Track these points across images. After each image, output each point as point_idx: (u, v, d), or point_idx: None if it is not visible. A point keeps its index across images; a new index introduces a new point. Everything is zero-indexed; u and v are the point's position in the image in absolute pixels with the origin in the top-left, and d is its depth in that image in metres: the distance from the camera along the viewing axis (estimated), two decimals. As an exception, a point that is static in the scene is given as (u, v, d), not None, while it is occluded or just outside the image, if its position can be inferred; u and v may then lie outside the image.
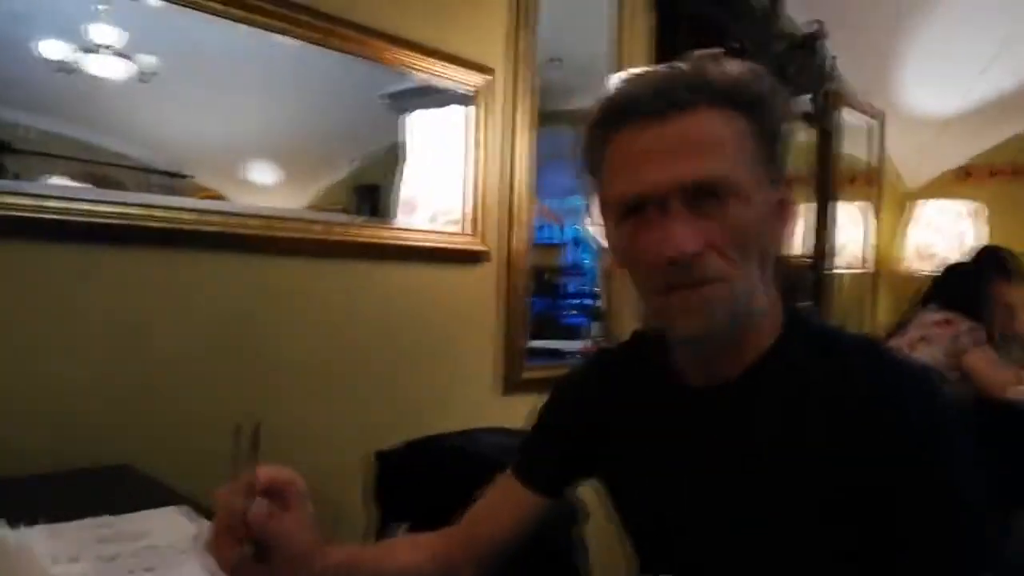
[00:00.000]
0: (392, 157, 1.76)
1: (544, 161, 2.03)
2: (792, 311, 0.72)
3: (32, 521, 0.85)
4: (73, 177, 1.30)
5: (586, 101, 0.70)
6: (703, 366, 0.72)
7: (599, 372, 0.84)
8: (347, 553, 0.72)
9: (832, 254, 3.11)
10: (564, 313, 2.42)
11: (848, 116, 3.21)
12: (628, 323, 2.23)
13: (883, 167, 3.56)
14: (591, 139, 0.69)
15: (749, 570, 0.68)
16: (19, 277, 1.21)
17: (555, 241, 2.46)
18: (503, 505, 0.83)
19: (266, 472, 0.62)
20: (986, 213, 3.42)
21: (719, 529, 0.69)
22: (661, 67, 0.65)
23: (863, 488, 0.62)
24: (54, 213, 1.21)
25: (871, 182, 3.51)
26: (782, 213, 0.69)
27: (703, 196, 0.62)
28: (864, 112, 3.36)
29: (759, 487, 0.67)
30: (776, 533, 0.66)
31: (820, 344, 0.69)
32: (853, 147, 3.28)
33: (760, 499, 0.67)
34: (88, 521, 0.95)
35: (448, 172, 1.82)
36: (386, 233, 1.68)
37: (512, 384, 1.93)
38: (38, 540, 0.76)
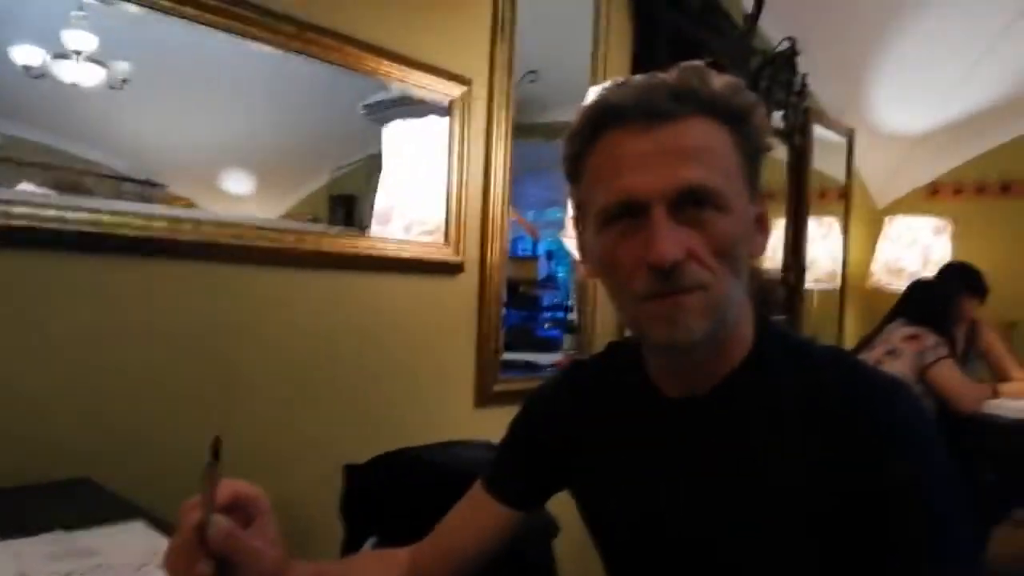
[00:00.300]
0: (369, 167, 1.75)
1: (520, 173, 2.04)
2: (764, 322, 0.72)
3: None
4: (43, 184, 1.28)
5: (563, 114, 0.70)
6: (678, 377, 0.72)
7: (572, 384, 0.83)
8: (313, 569, 0.71)
9: (804, 269, 3.16)
10: (539, 326, 2.42)
11: (819, 132, 3.27)
12: (602, 336, 2.24)
13: (853, 183, 3.63)
14: (574, 145, 0.68)
15: None
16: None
17: (531, 253, 2.47)
18: (475, 519, 0.82)
19: (229, 487, 0.61)
20: (952, 230, 3.50)
21: (695, 540, 0.69)
22: (645, 76, 0.65)
23: (839, 499, 0.62)
24: (22, 219, 1.19)
25: (841, 198, 3.57)
26: (759, 227, 0.70)
27: (687, 204, 0.62)
28: (835, 129, 3.42)
29: (735, 498, 0.67)
30: (753, 544, 0.66)
31: (793, 355, 0.69)
32: (823, 163, 3.34)
33: (736, 510, 0.67)
34: (41, 537, 0.92)
35: (425, 183, 1.82)
36: (361, 243, 1.67)
37: (486, 396, 1.92)
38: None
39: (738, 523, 0.67)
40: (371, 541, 1.16)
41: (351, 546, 1.21)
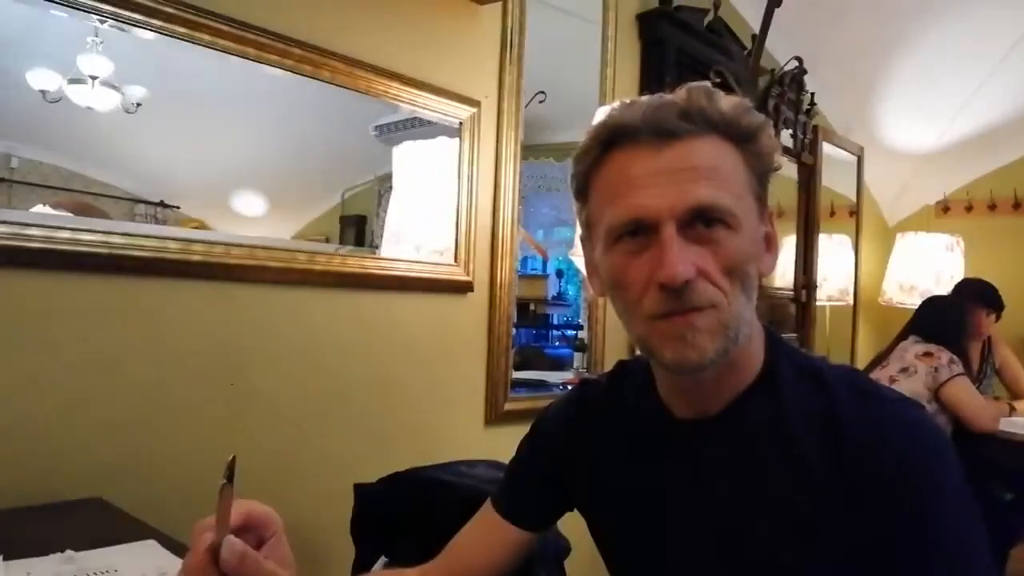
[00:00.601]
0: (379, 188, 1.77)
1: (529, 193, 2.05)
2: (775, 342, 0.72)
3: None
4: (58, 206, 1.30)
5: (571, 135, 0.70)
6: (688, 397, 0.71)
7: (582, 404, 0.83)
8: None
9: (815, 286, 3.15)
10: (549, 344, 2.42)
11: (829, 151, 3.27)
12: (612, 354, 2.23)
13: (863, 201, 3.62)
14: (583, 163, 0.69)
15: None
16: (4, 307, 1.21)
17: (540, 272, 2.47)
18: (485, 540, 0.82)
19: (242, 508, 0.61)
20: (963, 247, 3.48)
21: (710, 560, 0.68)
22: (654, 96, 0.66)
23: (853, 524, 0.62)
24: (37, 241, 1.21)
25: (851, 215, 3.57)
26: (767, 246, 0.69)
27: (697, 222, 0.62)
28: (844, 147, 3.42)
29: (744, 520, 0.66)
30: (763, 567, 0.65)
31: (805, 376, 0.69)
32: (833, 181, 3.34)
33: (745, 532, 0.66)
34: (52, 556, 0.93)
35: (434, 203, 1.83)
36: (371, 263, 1.68)
37: (496, 415, 1.92)
38: None
39: (748, 545, 0.66)
40: (381, 561, 1.16)
41: (361, 566, 1.20)
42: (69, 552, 0.94)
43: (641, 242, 0.64)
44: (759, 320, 0.71)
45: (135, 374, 1.33)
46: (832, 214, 3.45)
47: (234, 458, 0.57)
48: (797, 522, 0.64)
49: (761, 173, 0.67)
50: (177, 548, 0.98)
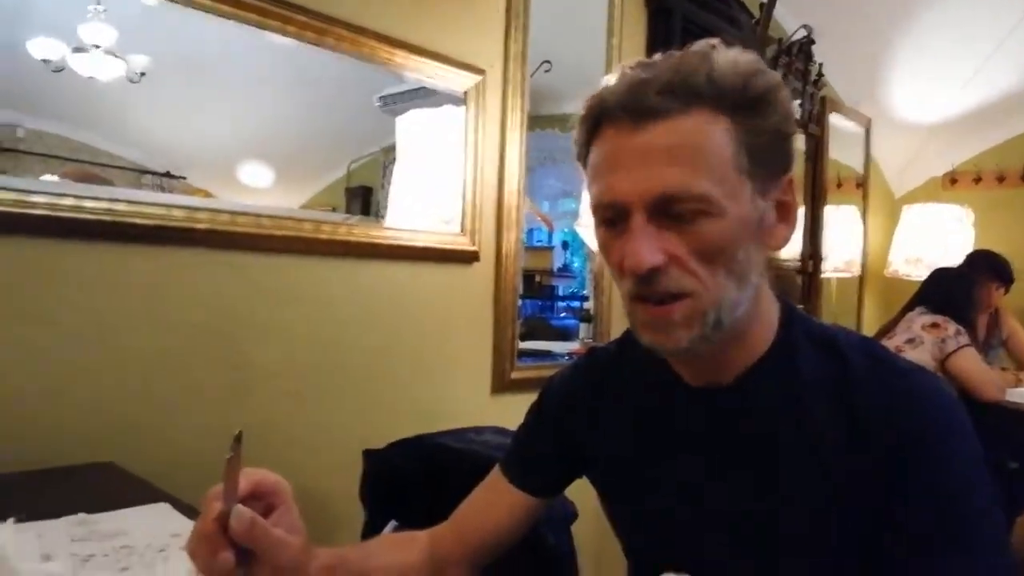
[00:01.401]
0: (385, 158, 1.76)
1: (535, 164, 2.04)
2: (789, 311, 0.71)
3: (2, 518, 0.84)
4: (64, 176, 1.29)
5: (577, 106, 0.69)
6: (694, 369, 0.70)
7: (591, 371, 0.82)
8: (333, 555, 0.71)
9: (821, 258, 3.13)
10: (554, 315, 2.42)
11: (836, 122, 3.24)
12: (618, 325, 2.23)
13: (870, 173, 3.59)
14: (578, 138, 0.68)
15: (751, 567, 0.67)
16: (5, 272, 1.21)
17: (546, 244, 2.47)
18: (493, 505, 0.82)
19: (251, 477, 0.61)
20: (971, 218, 3.45)
21: (720, 529, 0.68)
22: (645, 64, 0.63)
23: (869, 491, 0.61)
24: (41, 208, 1.21)
25: (859, 187, 3.54)
26: (781, 216, 0.66)
27: (668, 209, 0.60)
28: (852, 118, 3.39)
29: (760, 485, 0.66)
30: (778, 530, 0.65)
31: (820, 345, 0.68)
32: (840, 153, 3.31)
33: (758, 500, 0.66)
34: (64, 519, 0.94)
35: (440, 173, 1.83)
36: (377, 232, 1.68)
37: (502, 384, 1.93)
38: (9, 537, 0.75)
39: (760, 512, 0.66)
40: (391, 525, 1.17)
41: (371, 530, 1.22)
42: (81, 515, 0.96)
43: (618, 225, 0.63)
44: (772, 291, 0.70)
45: (142, 341, 1.34)
46: (839, 186, 3.42)
47: (241, 432, 0.57)
48: (809, 492, 0.63)
49: (765, 141, 0.62)
50: (189, 512, 0.99)
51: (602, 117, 0.64)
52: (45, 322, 1.25)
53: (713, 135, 0.61)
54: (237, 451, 0.58)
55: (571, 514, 1.09)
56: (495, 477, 0.83)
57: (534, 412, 0.86)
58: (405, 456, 1.24)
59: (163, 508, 1.02)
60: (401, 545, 0.83)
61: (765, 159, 0.63)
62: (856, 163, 3.52)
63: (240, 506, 0.59)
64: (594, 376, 0.81)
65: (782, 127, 0.64)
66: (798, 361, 0.67)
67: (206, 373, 1.41)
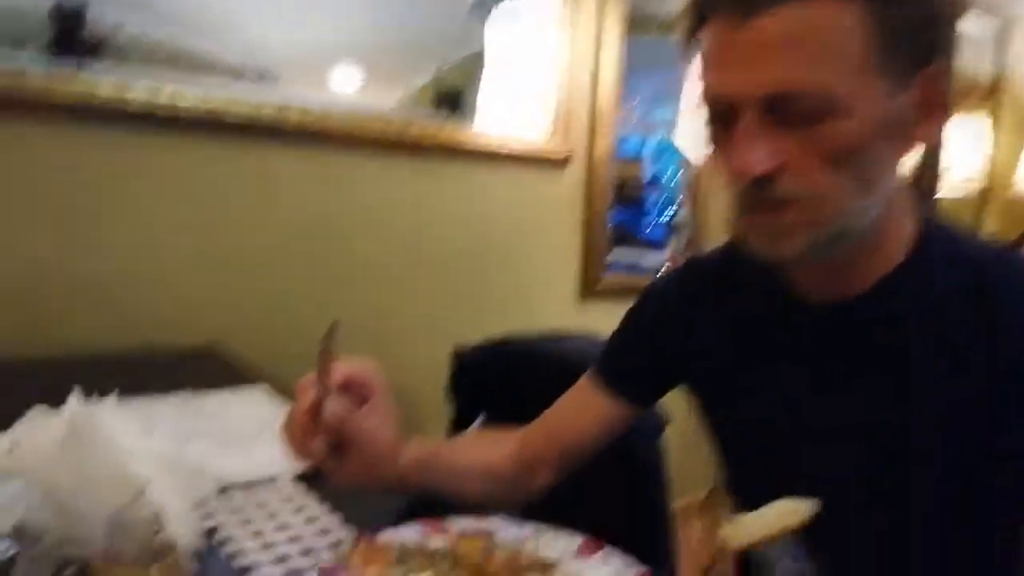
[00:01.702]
0: (475, 61, 1.72)
1: (632, 69, 1.94)
2: (927, 218, 0.64)
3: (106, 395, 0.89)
4: (162, 74, 1.33)
5: (677, 5, 0.62)
6: (821, 279, 0.65)
7: (688, 282, 0.78)
8: (424, 449, 0.72)
9: (940, 174, 2.91)
10: (644, 225, 2.36)
11: (967, 22, 2.93)
12: (711, 239, 2.16)
13: (1005, 80, 3.26)
14: (682, 33, 0.61)
15: (861, 487, 0.64)
16: (112, 164, 1.27)
17: (638, 153, 2.38)
18: (584, 410, 0.80)
19: (345, 368, 0.62)
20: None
21: (840, 449, 0.65)
22: None
23: (1002, 400, 0.57)
24: (137, 104, 1.26)
25: (987, 97, 3.23)
26: (924, 110, 0.57)
27: (784, 108, 0.54)
28: (982, 18, 3.05)
29: (884, 405, 0.62)
30: (911, 452, 0.61)
31: (959, 254, 0.62)
32: (968, 57, 3.01)
33: (887, 417, 0.62)
34: (168, 398, 0.99)
35: (532, 77, 1.77)
36: (467, 135, 1.65)
37: (590, 290, 1.92)
38: (112, 414, 0.80)
39: (886, 433, 0.62)
40: (479, 420, 1.20)
41: (459, 426, 1.25)
42: (186, 394, 1.01)
43: (729, 124, 0.56)
44: (909, 195, 0.63)
45: (248, 231, 1.41)
46: (967, 94, 3.13)
47: (336, 322, 0.58)
48: (945, 409, 0.59)
49: (909, 26, 0.54)
50: (287, 396, 1.03)
51: (705, 10, 0.57)
52: (151, 213, 1.31)
53: (841, 19, 0.52)
54: (330, 342, 0.59)
55: (659, 426, 1.07)
56: (588, 382, 0.81)
57: (629, 321, 0.82)
58: (494, 357, 1.25)
59: (262, 392, 1.08)
60: (490, 443, 0.84)
61: (907, 47, 0.55)
62: (986, 69, 3.20)
63: (334, 397, 0.60)
64: (691, 287, 0.77)
65: (931, 7, 0.56)
66: (935, 271, 0.62)
67: (303, 265, 1.47)
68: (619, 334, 0.83)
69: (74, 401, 0.62)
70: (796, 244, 0.57)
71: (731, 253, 0.76)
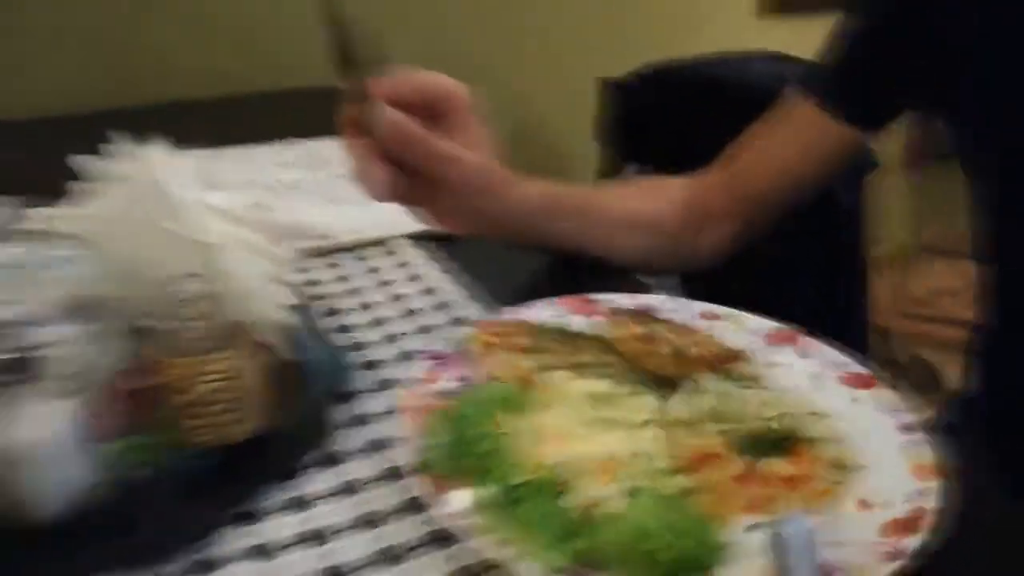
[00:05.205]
0: None
1: None
2: None
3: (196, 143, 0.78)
4: None
5: None
6: None
7: None
8: (550, 192, 0.57)
9: None
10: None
11: None
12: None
13: None
14: None
15: None
16: None
17: None
18: (789, 144, 0.63)
19: (415, 80, 0.46)
20: None
21: None
22: None
23: None
24: None
25: None
26: None
27: None
28: None
29: None
30: None
31: None
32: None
33: None
34: (273, 145, 0.89)
35: None
36: None
37: (773, 2, 1.62)
38: (163, 161, 0.69)
39: None
40: (632, 168, 1.01)
41: (607, 171, 1.07)
42: (293, 139, 0.91)
43: None
44: None
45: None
46: None
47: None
48: None
49: None
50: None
51: None
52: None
53: None
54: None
55: (869, 163, 0.84)
56: (794, 108, 0.63)
57: (863, 10, 0.61)
58: (652, 87, 1.02)
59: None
60: (648, 191, 0.68)
61: None
62: None
63: (383, 105, 0.44)
64: None
65: None
66: None
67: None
68: (842, 36, 0.62)
69: (145, 150, 0.49)
70: None
71: None
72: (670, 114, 1.00)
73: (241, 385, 0.42)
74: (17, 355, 0.37)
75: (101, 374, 0.40)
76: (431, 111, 0.47)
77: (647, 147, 1.03)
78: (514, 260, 0.61)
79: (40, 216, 0.49)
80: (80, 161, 0.47)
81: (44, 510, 0.36)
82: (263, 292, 0.47)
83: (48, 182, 0.48)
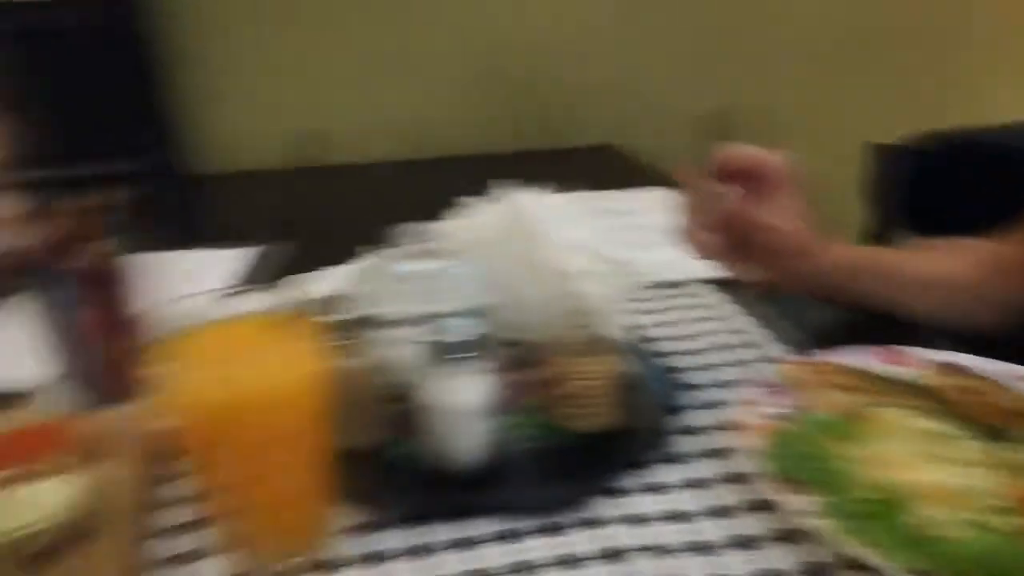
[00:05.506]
0: None
1: None
2: None
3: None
4: None
5: None
6: None
7: None
8: (858, 252, 0.62)
9: None
10: None
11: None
12: None
13: None
14: None
15: None
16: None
17: None
18: None
19: (738, 154, 0.54)
20: None
21: None
22: None
23: None
24: None
25: None
26: None
27: None
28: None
29: None
30: None
31: None
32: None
33: None
34: (575, 195, 0.97)
35: None
36: None
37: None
38: (542, 204, 0.79)
39: None
40: (901, 234, 1.00)
41: (873, 232, 1.07)
42: (591, 191, 0.98)
43: None
44: None
45: (639, 18, 1.31)
46: None
47: (728, 109, 0.49)
48: None
49: None
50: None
51: None
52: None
53: None
54: (722, 131, 0.49)
55: None
56: None
57: None
58: (936, 154, 1.01)
59: (661, 191, 1.02)
60: (943, 253, 0.68)
61: None
62: None
63: (724, 185, 0.54)
64: None
65: None
66: None
67: (698, 51, 1.33)
68: None
69: (513, 191, 0.61)
70: None
71: None
72: (950, 182, 0.99)
73: (600, 386, 0.51)
74: (451, 340, 0.48)
75: (502, 362, 0.50)
76: (753, 182, 0.55)
77: (917, 212, 1.02)
78: (812, 309, 0.66)
79: (438, 236, 0.61)
80: (470, 199, 0.61)
81: (467, 457, 0.47)
82: (611, 313, 0.56)
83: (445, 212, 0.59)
